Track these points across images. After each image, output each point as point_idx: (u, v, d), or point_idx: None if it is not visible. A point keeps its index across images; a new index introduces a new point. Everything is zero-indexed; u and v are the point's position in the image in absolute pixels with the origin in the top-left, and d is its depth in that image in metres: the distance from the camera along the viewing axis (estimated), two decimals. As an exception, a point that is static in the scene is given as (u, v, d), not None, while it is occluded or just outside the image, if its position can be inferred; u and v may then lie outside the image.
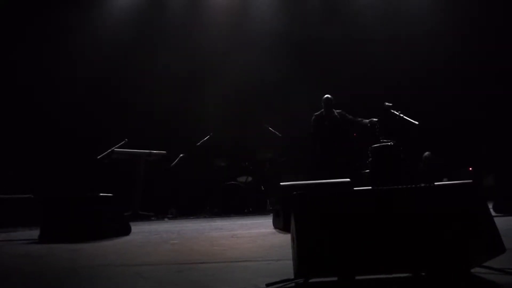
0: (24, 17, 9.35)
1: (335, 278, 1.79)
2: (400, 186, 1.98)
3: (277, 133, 8.50)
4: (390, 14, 9.71)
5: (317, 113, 7.49)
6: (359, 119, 7.37)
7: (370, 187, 5.14)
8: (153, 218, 7.72)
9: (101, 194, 4.54)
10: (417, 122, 6.51)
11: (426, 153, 8.54)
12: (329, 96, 7.47)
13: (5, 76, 9.08)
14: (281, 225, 4.28)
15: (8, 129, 8.77)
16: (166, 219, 7.72)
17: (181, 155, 8.54)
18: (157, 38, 9.91)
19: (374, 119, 6.88)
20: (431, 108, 8.57)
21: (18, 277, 2.44)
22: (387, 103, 6.85)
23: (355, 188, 4.35)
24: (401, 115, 6.65)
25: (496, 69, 8.76)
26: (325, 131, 7.37)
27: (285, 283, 1.82)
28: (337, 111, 7.52)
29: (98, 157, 7.61)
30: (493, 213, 3.47)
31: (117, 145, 7.80)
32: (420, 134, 7.21)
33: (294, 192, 1.92)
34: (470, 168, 8.26)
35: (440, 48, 9.16)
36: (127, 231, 4.63)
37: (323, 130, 7.38)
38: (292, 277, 1.84)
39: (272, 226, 4.72)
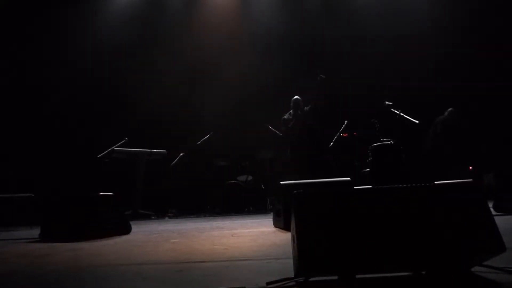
0: (24, 17, 9.34)
1: (335, 277, 1.80)
2: (400, 185, 1.98)
3: (277, 132, 8.49)
4: (389, 13, 9.70)
5: (285, 117, 7.62)
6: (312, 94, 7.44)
7: (370, 186, 5.14)
8: (153, 217, 7.72)
9: (101, 193, 4.54)
10: (417, 121, 6.52)
11: (450, 109, 8.11)
12: (297, 97, 7.59)
13: (5, 76, 9.07)
14: (281, 224, 4.29)
15: (8, 129, 8.77)
16: (166, 218, 7.72)
17: (181, 154, 8.54)
18: (157, 37, 9.90)
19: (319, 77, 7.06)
20: (431, 106, 8.58)
21: (19, 277, 2.44)
22: (387, 102, 6.87)
23: (355, 187, 4.35)
24: (401, 114, 6.66)
25: (496, 68, 8.75)
26: (291, 133, 7.49)
27: (285, 282, 1.82)
28: (306, 108, 7.59)
29: (98, 156, 7.63)
30: (493, 212, 3.47)
31: (117, 144, 7.82)
32: (420, 132, 7.22)
33: (295, 191, 1.92)
34: (470, 167, 8.25)
35: (440, 46, 9.14)
36: (127, 230, 4.63)
37: (289, 133, 7.53)
38: (293, 276, 1.85)
39: (272, 225, 4.73)
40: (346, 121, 8.02)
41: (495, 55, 8.78)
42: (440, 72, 9.07)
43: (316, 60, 9.56)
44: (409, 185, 1.95)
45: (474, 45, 8.93)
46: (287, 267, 2.02)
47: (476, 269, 1.87)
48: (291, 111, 7.65)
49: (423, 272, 1.85)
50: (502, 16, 8.94)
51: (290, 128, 7.54)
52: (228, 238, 3.81)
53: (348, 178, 4.76)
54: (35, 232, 4.50)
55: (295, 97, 7.68)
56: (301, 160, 7.38)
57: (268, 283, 1.78)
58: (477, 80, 8.80)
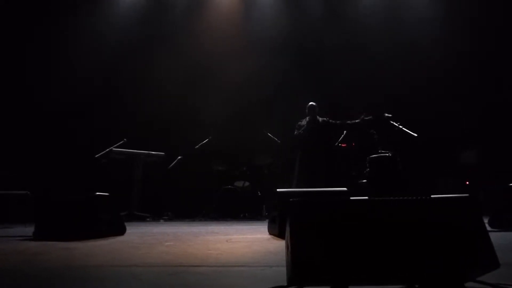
0: (26, 16, 9.36)
1: (328, 287, 1.79)
2: (396, 198, 1.98)
3: (276, 139, 8.50)
4: (391, 21, 9.72)
5: (300, 122, 7.65)
6: (348, 121, 7.44)
7: (366, 197, 5.14)
8: (148, 219, 7.71)
9: (97, 193, 4.54)
10: (415, 134, 6.54)
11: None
12: (312, 103, 7.63)
13: (5, 75, 9.07)
14: (276, 232, 4.28)
15: (6, 127, 8.75)
16: (161, 220, 7.71)
17: (179, 157, 8.53)
18: (159, 39, 9.90)
19: (366, 118, 7.03)
20: (430, 117, 8.62)
21: (11, 275, 2.43)
22: (386, 114, 6.90)
23: (351, 198, 4.35)
24: (400, 126, 6.69)
25: (500, 79, 8.77)
26: (302, 138, 7.52)
27: (278, 290, 1.82)
28: (322, 118, 7.63)
29: (96, 156, 7.62)
30: (488, 228, 3.46)
31: (116, 145, 7.81)
32: (419, 145, 7.23)
33: (291, 199, 1.92)
34: (467, 182, 8.26)
35: (443, 56, 9.12)
36: (122, 231, 4.62)
37: (300, 137, 7.57)
38: (286, 284, 1.84)
39: (267, 232, 4.72)
40: (345, 131, 8.02)
41: (500, 65, 8.77)
42: (441, 81, 9.05)
43: (318, 65, 9.58)
44: (405, 198, 1.95)
45: (478, 55, 8.92)
46: (281, 275, 2.02)
47: (470, 284, 1.87)
48: (307, 117, 7.67)
49: (416, 286, 1.84)
50: (503, 22, 8.96)
51: (300, 134, 7.58)
52: (223, 243, 3.80)
53: (345, 189, 4.76)
54: (30, 230, 4.48)
55: (311, 103, 7.69)
56: (307, 167, 7.43)
57: (260, 291, 1.78)
58: (478, 90, 8.80)
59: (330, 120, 7.63)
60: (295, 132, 7.69)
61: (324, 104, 8.23)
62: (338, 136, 7.74)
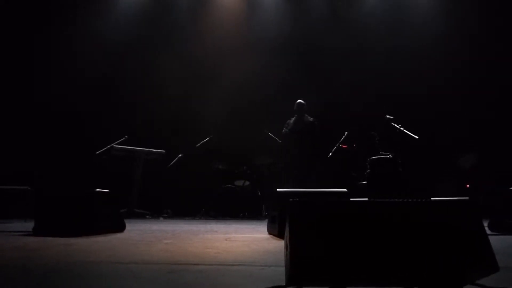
0: (27, 17, 9.36)
1: (327, 287, 1.79)
2: (396, 200, 1.98)
3: (277, 139, 8.50)
4: (392, 22, 9.72)
5: (289, 120, 7.84)
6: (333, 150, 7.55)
7: (366, 199, 5.15)
8: (148, 217, 7.72)
9: (97, 189, 4.54)
10: (417, 137, 6.54)
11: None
12: (300, 101, 7.67)
13: (6, 73, 9.07)
14: (276, 231, 4.28)
15: (8, 123, 8.76)
16: (161, 218, 7.72)
17: (180, 155, 8.54)
18: (160, 38, 9.92)
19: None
20: (432, 119, 8.61)
21: (9, 271, 2.43)
22: (388, 116, 6.90)
23: (351, 199, 4.35)
24: (402, 128, 6.68)
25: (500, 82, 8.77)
26: (289, 138, 7.71)
27: (276, 290, 1.82)
28: (309, 119, 7.67)
29: (97, 152, 7.63)
30: (488, 232, 3.46)
31: (117, 142, 7.82)
32: (419, 147, 7.23)
33: (290, 199, 1.92)
34: (467, 185, 8.26)
35: (444, 60, 9.12)
36: (121, 228, 4.63)
37: (286, 136, 7.79)
38: (284, 284, 1.84)
39: (266, 232, 4.72)
40: (346, 132, 8.02)
41: (500, 65, 8.76)
42: (443, 84, 9.04)
43: (319, 67, 9.57)
44: (405, 200, 1.95)
45: (479, 56, 8.91)
46: (279, 275, 2.02)
47: (469, 287, 1.87)
48: (295, 115, 7.73)
49: (415, 288, 1.84)
50: (505, 33, 8.96)
51: (287, 133, 7.65)
52: (222, 242, 3.80)
53: (345, 190, 4.76)
54: (30, 225, 4.49)
55: (298, 101, 7.74)
56: (295, 167, 7.50)
57: (259, 290, 1.78)
58: (479, 93, 8.79)
59: (316, 129, 7.67)
60: (283, 130, 7.76)
61: (324, 104, 8.23)
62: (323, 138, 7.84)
